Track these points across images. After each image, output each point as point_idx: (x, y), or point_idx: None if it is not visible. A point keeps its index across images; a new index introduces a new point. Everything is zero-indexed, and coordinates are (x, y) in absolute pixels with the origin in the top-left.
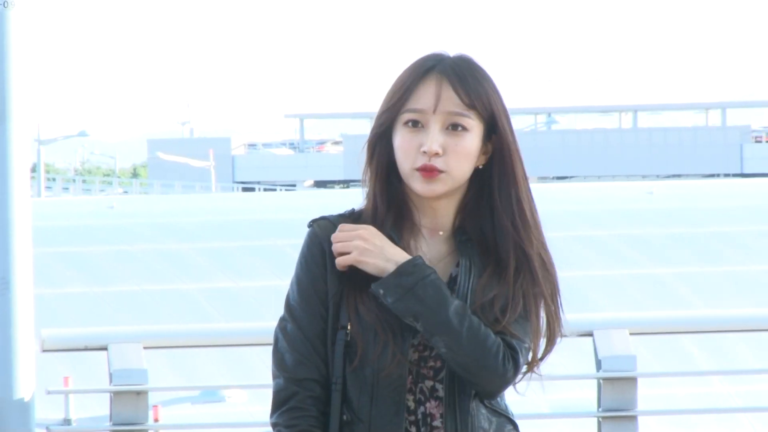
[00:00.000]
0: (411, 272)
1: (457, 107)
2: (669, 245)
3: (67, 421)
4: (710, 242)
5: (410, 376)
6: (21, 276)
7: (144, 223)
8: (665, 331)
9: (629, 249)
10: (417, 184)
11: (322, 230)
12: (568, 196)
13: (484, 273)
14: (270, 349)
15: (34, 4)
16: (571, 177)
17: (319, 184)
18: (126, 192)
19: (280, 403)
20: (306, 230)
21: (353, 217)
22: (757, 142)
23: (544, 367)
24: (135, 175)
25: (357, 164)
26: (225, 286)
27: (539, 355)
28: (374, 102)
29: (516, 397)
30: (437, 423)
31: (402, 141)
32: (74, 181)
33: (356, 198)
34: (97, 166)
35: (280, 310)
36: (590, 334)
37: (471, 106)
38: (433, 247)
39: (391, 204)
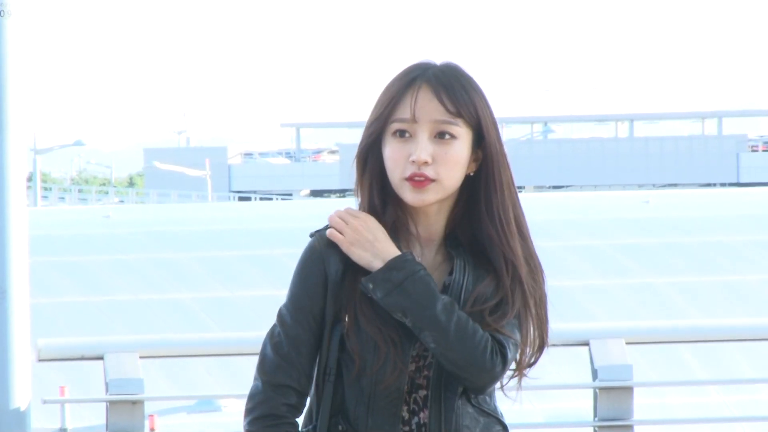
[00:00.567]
0: (401, 267)
1: (443, 115)
2: (665, 254)
3: (62, 431)
4: (706, 252)
5: (405, 387)
6: (17, 285)
7: (140, 233)
8: (661, 341)
9: (625, 258)
10: (407, 194)
11: (321, 241)
12: (564, 205)
13: (480, 276)
14: None
15: (30, 13)
16: (568, 186)
17: (316, 193)
18: (122, 201)
19: (253, 408)
20: (306, 239)
21: None
22: (753, 151)
23: (541, 376)
24: (131, 184)
25: (353, 174)
26: (221, 295)
27: (531, 361)
28: (371, 112)
29: (512, 406)
30: None
31: (391, 151)
32: (70, 190)
33: (352, 207)
34: (94, 176)
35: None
36: (586, 344)
37: (457, 114)
38: (427, 255)
39: (387, 213)
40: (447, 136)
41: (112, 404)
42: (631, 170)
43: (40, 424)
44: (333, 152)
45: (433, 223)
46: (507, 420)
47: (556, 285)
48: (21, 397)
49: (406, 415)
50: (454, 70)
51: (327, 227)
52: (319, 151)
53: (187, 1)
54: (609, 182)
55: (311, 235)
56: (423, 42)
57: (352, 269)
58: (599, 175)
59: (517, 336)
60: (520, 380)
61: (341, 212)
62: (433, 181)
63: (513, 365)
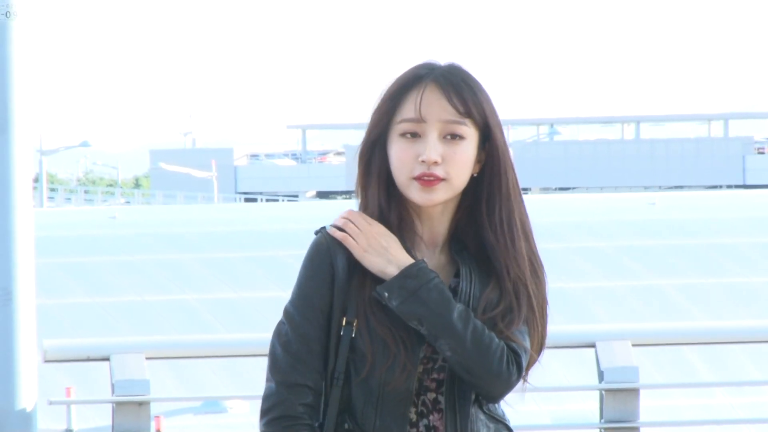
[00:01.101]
0: (415, 275)
1: (453, 116)
2: (671, 257)
3: None
4: (712, 254)
5: (414, 388)
6: (23, 286)
7: (146, 234)
8: (667, 343)
9: (631, 260)
10: (415, 193)
11: (327, 237)
12: (570, 207)
13: (485, 281)
14: None
15: (36, 14)
16: (574, 188)
17: (322, 194)
18: (128, 202)
19: (269, 409)
20: (312, 237)
21: None
22: (759, 153)
23: (547, 377)
24: (137, 185)
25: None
26: (227, 296)
27: (531, 365)
28: (373, 111)
29: (518, 408)
30: None
31: (398, 151)
32: (76, 191)
33: (354, 209)
34: (100, 177)
35: None
36: (592, 346)
37: (466, 114)
38: (431, 257)
39: (393, 213)
40: (457, 137)
41: (118, 405)
42: (637, 172)
43: (46, 425)
44: (339, 154)
45: (437, 225)
46: (513, 422)
47: (562, 287)
48: (27, 398)
49: (414, 417)
50: (460, 70)
51: (332, 224)
52: (325, 153)
53: (193, 2)
54: (615, 184)
55: (317, 233)
56: (429, 43)
57: (360, 267)
58: (605, 176)
59: (527, 343)
60: (523, 384)
61: (353, 216)
62: (442, 180)
63: None
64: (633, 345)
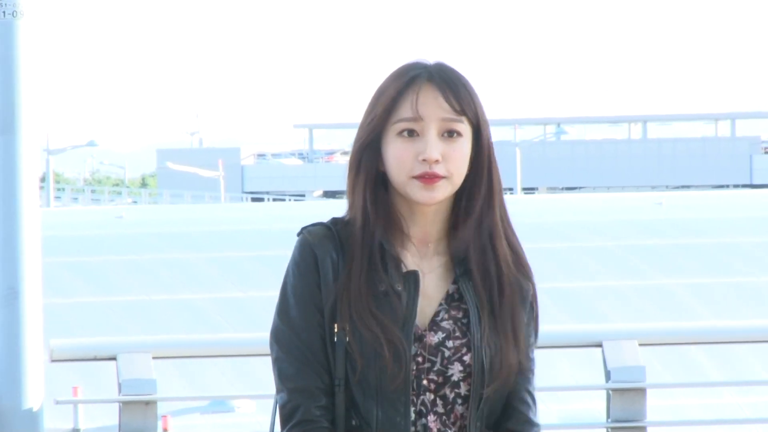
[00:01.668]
0: None
1: (450, 113)
2: (678, 256)
3: (76, 431)
4: (719, 253)
5: (410, 388)
6: (30, 286)
7: (153, 233)
8: (674, 342)
9: (638, 260)
10: (416, 192)
11: (313, 237)
12: (577, 206)
13: (490, 319)
14: None
15: (43, 13)
16: (580, 188)
17: (328, 194)
18: (135, 202)
19: (287, 418)
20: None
21: (339, 226)
22: (766, 153)
23: (554, 377)
24: (144, 185)
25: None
26: (234, 296)
27: None
28: (365, 113)
29: None
30: None
31: (397, 150)
32: (83, 191)
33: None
34: (107, 176)
35: None
36: (599, 345)
37: (462, 112)
38: (423, 258)
39: (379, 214)
40: (455, 134)
41: (125, 404)
42: (644, 172)
43: (53, 424)
44: (346, 153)
45: (430, 224)
46: None
47: (569, 286)
48: (34, 397)
49: (413, 416)
50: (451, 69)
51: (315, 224)
52: (332, 152)
53: (201, 3)
54: (622, 184)
55: (299, 234)
56: (436, 42)
57: (345, 267)
58: (612, 176)
59: (534, 358)
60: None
61: None
62: (443, 178)
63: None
64: (640, 344)
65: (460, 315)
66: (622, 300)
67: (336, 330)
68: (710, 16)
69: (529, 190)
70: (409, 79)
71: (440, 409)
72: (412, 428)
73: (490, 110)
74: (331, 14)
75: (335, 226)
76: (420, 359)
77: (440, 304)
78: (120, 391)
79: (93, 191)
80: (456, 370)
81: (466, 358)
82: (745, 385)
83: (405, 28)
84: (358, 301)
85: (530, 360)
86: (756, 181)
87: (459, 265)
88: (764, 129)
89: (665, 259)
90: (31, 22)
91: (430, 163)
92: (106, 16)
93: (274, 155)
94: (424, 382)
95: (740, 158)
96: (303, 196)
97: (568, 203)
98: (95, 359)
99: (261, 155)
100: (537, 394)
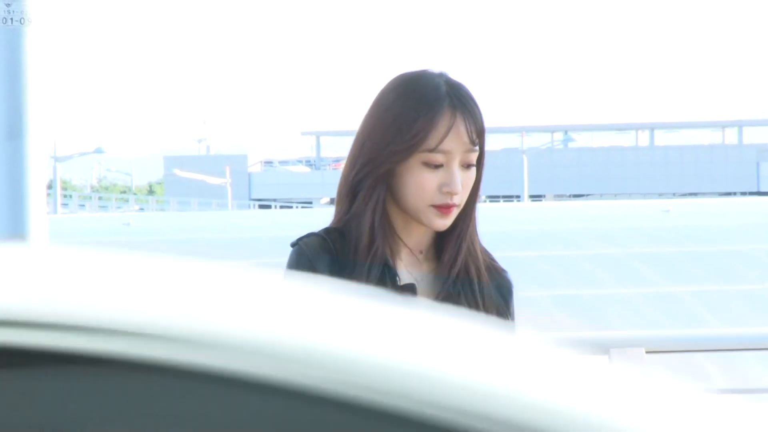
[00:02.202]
0: None
1: (470, 144)
2: (685, 263)
3: None
4: (727, 261)
5: None
6: None
7: (160, 240)
8: (681, 350)
9: (645, 267)
10: (432, 219)
11: (309, 248)
12: (584, 214)
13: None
14: None
15: (51, 20)
16: (588, 195)
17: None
18: (142, 209)
19: None
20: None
21: (333, 236)
22: None
23: None
24: (151, 192)
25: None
26: None
27: None
28: (385, 131)
29: None
30: None
31: (420, 180)
32: (90, 198)
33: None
34: (114, 183)
35: None
36: (606, 353)
37: (479, 142)
38: (414, 266)
39: (387, 234)
40: (471, 166)
41: None
42: (652, 179)
43: None
44: None
45: (422, 234)
46: None
47: (576, 294)
48: None
49: None
50: (465, 90)
51: (309, 234)
52: (339, 160)
53: (208, 9)
54: (629, 191)
55: (293, 245)
56: (442, 49)
57: (342, 277)
58: (619, 183)
59: None
60: None
61: None
62: (457, 206)
63: None
64: (647, 352)
65: None
66: (629, 307)
67: None
68: (717, 23)
69: (536, 197)
70: (435, 109)
71: None
72: None
73: (497, 118)
74: (339, 22)
75: (329, 236)
76: None
77: None
78: None
79: (100, 198)
80: None
81: None
82: (752, 393)
83: (412, 36)
84: None
85: None
86: (763, 189)
87: (447, 270)
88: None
89: (672, 267)
90: (38, 28)
91: (452, 195)
92: (114, 22)
93: (282, 162)
94: None
95: (747, 165)
96: (310, 203)
97: (576, 210)
98: None
99: (268, 162)
100: None
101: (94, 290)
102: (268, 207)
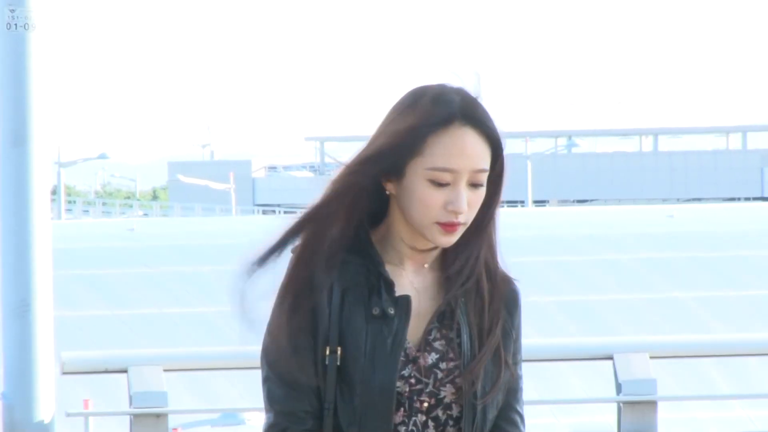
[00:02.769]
0: None
1: (482, 163)
2: (689, 269)
3: None
4: (730, 266)
5: (402, 409)
6: (41, 298)
7: (164, 246)
8: (685, 355)
9: (649, 273)
10: (436, 236)
11: (320, 259)
12: (588, 219)
13: (480, 339)
14: None
15: (55, 26)
16: (592, 200)
17: None
18: (146, 214)
19: None
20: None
21: (332, 243)
22: None
23: (566, 390)
24: (155, 197)
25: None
26: None
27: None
28: (390, 138)
29: (534, 420)
30: None
31: (426, 196)
32: (94, 203)
33: None
34: (118, 189)
35: None
36: (610, 358)
37: (492, 162)
38: (418, 274)
39: (387, 248)
40: (480, 186)
41: (136, 417)
42: (655, 185)
43: None
44: None
45: (429, 245)
46: None
47: (581, 299)
48: (45, 409)
49: None
50: (482, 108)
51: None
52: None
53: (212, 15)
54: (633, 196)
55: (293, 251)
56: (448, 54)
57: (339, 289)
58: (623, 189)
59: (522, 375)
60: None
61: None
62: (463, 224)
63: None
64: (651, 357)
65: (452, 335)
66: (632, 313)
67: (328, 353)
68: (721, 29)
69: (540, 202)
70: (445, 126)
71: (431, 430)
72: None
73: (501, 124)
74: (344, 28)
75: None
76: (413, 381)
77: (432, 323)
78: (131, 403)
79: (104, 204)
80: (448, 392)
81: (459, 380)
82: (756, 398)
83: (417, 41)
84: (351, 326)
85: (518, 377)
86: (767, 194)
87: (452, 283)
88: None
89: (676, 272)
90: (42, 34)
91: (457, 214)
92: (118, 28)
93: (286, 168)
94: (416, 403)
95: (751, 171)
96: None
97: (580, 216)
98: (106, 372)
99: (272, 168)
100: (548, 408)
101: None
102: (272, 212)
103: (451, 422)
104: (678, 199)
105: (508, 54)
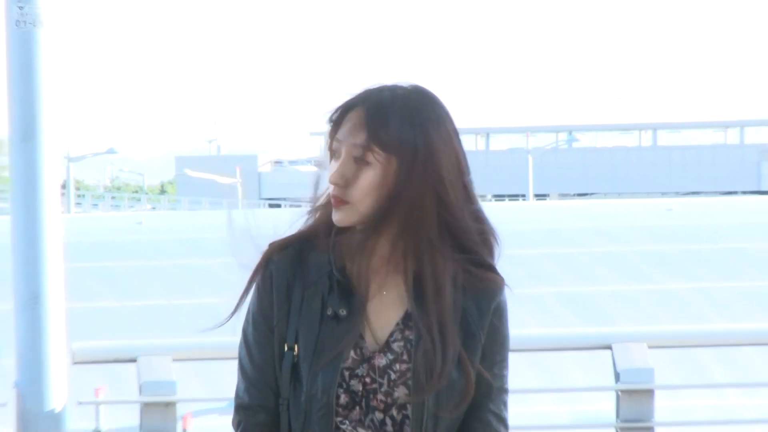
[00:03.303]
0: None
1: (361, 140)
2: (687, 261)
3: None
4: (728, 258)
5: (358, 408)
6: (53, 290)
7: (172, 239)
8: (683, 345)
9: (648, 264)
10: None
11: (275, 254)
12: (588, 212)
13: (440, 342)
14: None
15: (63, 22)
16: (591, 194)
17: None
18: (154, 208)
19: (234, 429)
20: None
21: (304, 240)
22: None
23: (565, 379)
24: (163, 191)
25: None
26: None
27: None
28: None
29: (535, 408)
30: None
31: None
32: (104, 197)
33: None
34: (126, 183)
35: None
36: (609, 347)
37: (377, 142)
38: (387, 275)
39: (353, 244)
40: (362, 161)
41: (145, 405)
42: (654, 178)
43: (75, 425)
44: None
45: (380, 249)
46: (532, 422)
47: (580, 290)
48: (57, 398)
49: None
50: (404, 97)
51: (283, 239)
52: None
53: (218, 12)
54: (632, 190)
55: (267, 247)
56: (447, 51)
57: (300, 289)
58: (623, 182)
59: (505, 375)
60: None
61: None
62: (346, 203)
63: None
64: (649, 347)
65: (412, 337)
66: (631, 304)
67: (286, 350)
68: (719, 24)
69: (540, 196)
70: (354, 105)
71: (389, 429)
72: None
73: (502, 118)
74: (349, 23)
75: (300, 241)
76: (368, 380)
77: (396, 324)
78: (141, 392)
79: (113, 198)
80: (402, 393)
81: (411, 382)
82: (752, 387)
83: (418, 36)
84: (305, 325)
85: (498, 377)
86: (764, 188)
87: (416, 285)
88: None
89: (674, 264)
90: (51, 31)
91: (331, 183)
92: (125, 24)
93: (291, 162)
94: (373, 402)
95: (749, 165)
96: None
97: (580, 209)
98: (116, 361)
99: (278, 162)
100: (547, 395)
101: None
102: (278, 206)
103: (407, 421)
104: (677, 193)
105: (509, 51)
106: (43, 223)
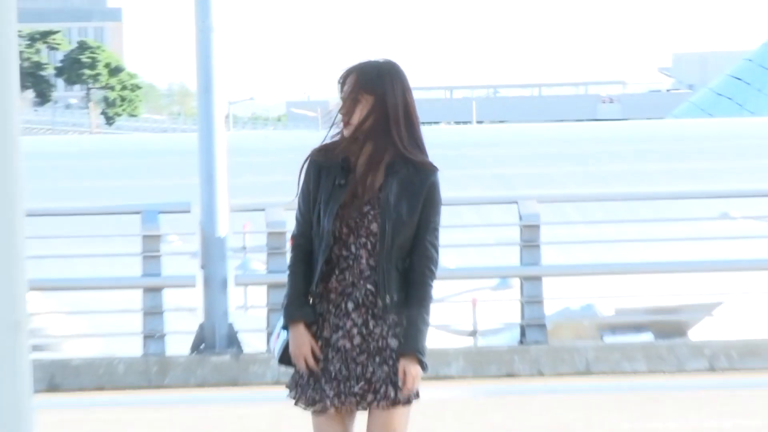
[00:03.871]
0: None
1: (354, 89)
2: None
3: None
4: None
5: (352, 235)
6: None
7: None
8: (568, 201)
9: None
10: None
11: (315, 155)
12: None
13: (399, 200)
14: None
15: (228, 28)
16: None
17: None
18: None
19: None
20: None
21: (329, 145)
22: (604, 102)
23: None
24: (279, 120)
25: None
26: None
27: None
28: None
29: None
30: (363, 266)
31: None
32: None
33: None
34: (258, 116)
35: None
36: (515, 202)
37: (363, 89)
38: (370, 167)
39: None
40: (357, 101)
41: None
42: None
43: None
44: None
45: (366, 149)
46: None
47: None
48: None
49: (353, 249)
50: (378, 64)
51: (320, 146)
52: None
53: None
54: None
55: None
56: (457, 41)
57: (324, 173)
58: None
59: (437, 227)
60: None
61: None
62: (350, 124)
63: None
64: (538, 202)
65: (382, 196)
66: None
67: (315, 204)
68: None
69: (480, 121)
70: (349, 70)
71: (369, 247)
72: (348, 252)
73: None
74: (354, 18)
75: (326, 147)
76: (358, 220)
77: (377, 190)
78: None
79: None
80: (374, 227)
81: (379, 220)
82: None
83: (420, 32)
84: (324, 190)
85: (432, 221)
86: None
87: (387, 168)
88: (602, 89)
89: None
90: (220, 35)
91: (341, 115)
92: (291, 22)
93: None
94: (361, 230)
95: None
96: None
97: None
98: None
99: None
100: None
101: None
102: None
103: (374, 239)
104: None
105: (507, 45)
106: (216, 136)
